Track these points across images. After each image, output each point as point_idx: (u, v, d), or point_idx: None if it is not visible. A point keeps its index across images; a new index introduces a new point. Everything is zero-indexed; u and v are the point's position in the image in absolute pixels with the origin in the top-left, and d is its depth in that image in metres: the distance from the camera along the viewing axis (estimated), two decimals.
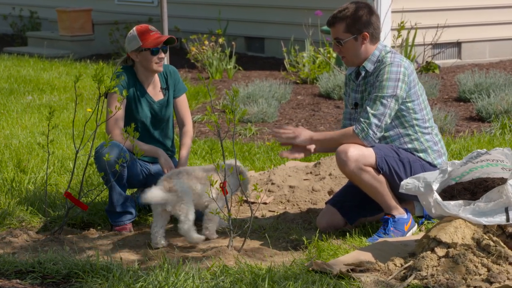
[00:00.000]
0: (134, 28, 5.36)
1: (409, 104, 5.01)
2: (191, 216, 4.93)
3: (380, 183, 4.96)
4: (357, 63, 5.08)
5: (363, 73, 5.08)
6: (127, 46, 5.38)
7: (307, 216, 5.50)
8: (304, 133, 5.04)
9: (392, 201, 5.00)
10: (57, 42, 13.64)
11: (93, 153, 5.22)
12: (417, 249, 4.42)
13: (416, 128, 5.05)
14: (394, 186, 4.97)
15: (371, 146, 4.96)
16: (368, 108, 4.93)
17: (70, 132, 7.67)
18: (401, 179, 4.84)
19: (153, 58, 5.31)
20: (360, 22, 4.99)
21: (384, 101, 4.92)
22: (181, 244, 5.04)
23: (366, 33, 5.00)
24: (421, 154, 5.07)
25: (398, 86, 4.93)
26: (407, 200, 5.16)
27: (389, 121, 4.96)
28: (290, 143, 5.06)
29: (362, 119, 4.93)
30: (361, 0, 5.13)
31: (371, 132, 4.92)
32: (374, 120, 4.91)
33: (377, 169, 4.95)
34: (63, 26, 13.46)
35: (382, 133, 4.98)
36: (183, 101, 5.54)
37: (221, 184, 4.76)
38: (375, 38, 5.04)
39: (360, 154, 4.90)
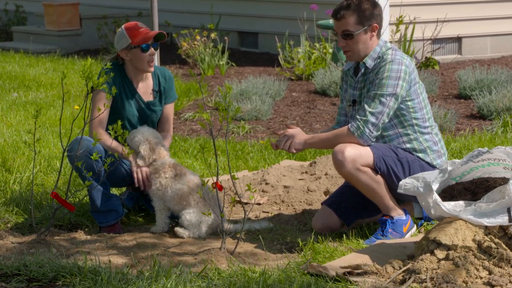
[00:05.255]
0: (123, 26, 5.34)
1: (409, 103, 4.95)
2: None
3: (378, 183, 4.91)
4: (361, 58, 5.03)
5: (362, 70, 5.02)
6: (116, 45, 5.35)
7: (302, 217, 5.48)
8: (298, 136, 4.96)
9: (390, 202, 4.97)
10: (43, 37, 13.55)
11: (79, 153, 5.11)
12: (416, 251, 4.39)
13: (416, 127, 4.99)
14: (392, 187, 4.95)
15: (368, 145, 4.89)
16: (366, 106, 4.87)
17: (57, 130, 7.66)
18: (399, 180, 4.80)
19: (144, 56, 5.27)
20: (370, 14, 4.94)
21: (383, 100, 4.85)
22: (172, 246, 4.98)
23: (376, 24, 4.96)
24: (420, 154, 5.03)
25: (398, 85, 4.87)
26: (405, 201, 5.16)
27: (386, 120, 4.91)
28: (283, 148, 4.99)
29: (358, 117, 4.88)
30: None
31: (367, 130, 4.84)
32: (371, 118, 4.84)
33: (375, 169, 4.92)
34: (49, 21, 13.36)
35: (379, 132, 4.92)
36: (170, 109, 5.52)
37: (213, 185, 4.70)
38: (379, 32, 5.00)
39: (357, 154, 4.85)
